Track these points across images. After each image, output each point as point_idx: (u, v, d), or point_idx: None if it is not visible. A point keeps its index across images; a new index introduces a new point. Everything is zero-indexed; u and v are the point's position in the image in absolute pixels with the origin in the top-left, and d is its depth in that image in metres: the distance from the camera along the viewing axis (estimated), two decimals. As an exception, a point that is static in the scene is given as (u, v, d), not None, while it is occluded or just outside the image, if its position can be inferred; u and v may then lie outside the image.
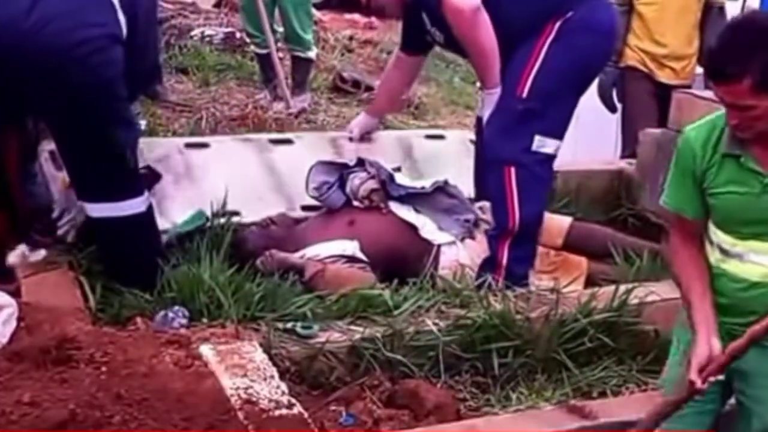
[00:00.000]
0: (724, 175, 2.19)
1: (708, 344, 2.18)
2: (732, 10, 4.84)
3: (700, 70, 4.60)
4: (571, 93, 3.48)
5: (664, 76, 4.52)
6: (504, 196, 3.41)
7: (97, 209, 3.00)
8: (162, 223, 3.33)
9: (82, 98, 2.83)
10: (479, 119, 3.61)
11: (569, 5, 3.35)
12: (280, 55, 5.77)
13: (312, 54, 5.78)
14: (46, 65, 2.78)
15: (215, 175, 3.64)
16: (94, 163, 2.94)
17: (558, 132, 3.45)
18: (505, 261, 3.43)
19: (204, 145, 3.80)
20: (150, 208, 3.09)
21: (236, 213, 3.57)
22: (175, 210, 3.51)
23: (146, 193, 3.07)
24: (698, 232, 2.30)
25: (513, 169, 3.38)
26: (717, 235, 2.26)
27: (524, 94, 3.36)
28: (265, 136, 3.99)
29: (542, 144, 3.40)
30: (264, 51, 5.59)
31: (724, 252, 2.25)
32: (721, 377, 2.25)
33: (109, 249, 3.10)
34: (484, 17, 3.29)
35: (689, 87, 4.39)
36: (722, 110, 2.18)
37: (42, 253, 3.12)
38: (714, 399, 2.35)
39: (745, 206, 2.18)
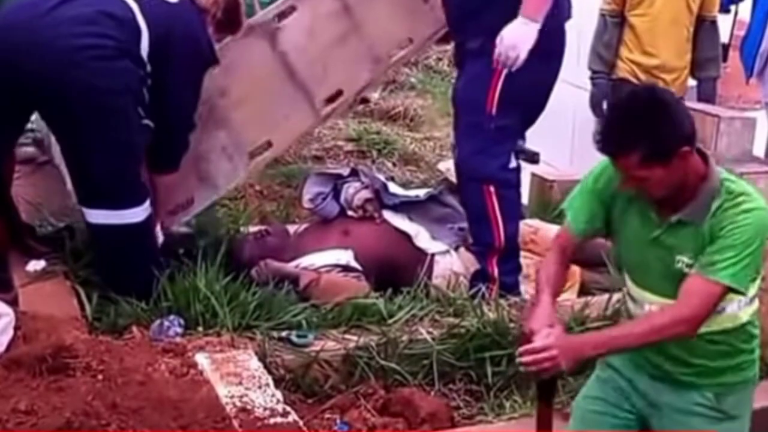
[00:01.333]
0: (628, 213, 2.20)
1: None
2: (723, 23, 4.90)
3: (692, 82, 4.65)
4: (537, 105, 3.51)
5: None
6: (487, 216, 3.43)
7: (94, 215, 3.02)
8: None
9: (77, 102, 2.87)
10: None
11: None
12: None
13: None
14: (49, 64, 2.83)
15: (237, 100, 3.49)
16: (91, 169, 2.96)
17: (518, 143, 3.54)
18: (495, 274, 3.46)
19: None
20: (149, 217, 3.11)
21: (269, 144, 3.55)
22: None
23: (147, 203, 3.08)
24: (571, 248, 2.30)
25: (492, 188, 3.40)
26: (627, 280, 2.28)
27: (494, 111, 3.37)
28: (269, 15, 3.61)
29: (513, 158, 3.46)
30: None
31: (632, 297, 2.27)
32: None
33: (105, 256, 3.12)
34: None
35: (681, 99, 4.42)
36: None
37: (42, 263, 3.14)
38: (628, 425, 2.31)
39: (637, 251, 2.20)
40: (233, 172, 3.51)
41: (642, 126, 2.04)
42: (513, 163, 3.46)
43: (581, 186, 2.30)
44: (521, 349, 2.09)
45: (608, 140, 2.08)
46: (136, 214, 3.04)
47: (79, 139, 2.93)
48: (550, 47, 3.37)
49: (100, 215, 3.01)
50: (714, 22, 4.59)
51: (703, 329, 2.12)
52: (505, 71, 3.29)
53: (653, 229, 2.15)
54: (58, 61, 2.84)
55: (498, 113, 3.35)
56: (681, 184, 2.09)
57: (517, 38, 3.21)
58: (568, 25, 3.62)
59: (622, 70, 4.57)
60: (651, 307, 2.19)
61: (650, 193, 2.12)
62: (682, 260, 2.12)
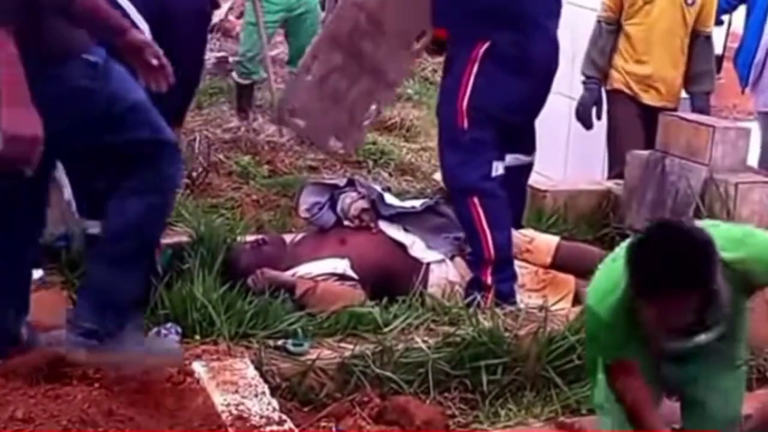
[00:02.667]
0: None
1: None
2: (716, 35, 4.92)
3: (685, 95, 4.68)
4: (512, 114, 3.52)
5: (648, 98, 4.57)
6: (475, 227, 3.45)
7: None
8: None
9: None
10: None
11: (500, 30, 3.38)
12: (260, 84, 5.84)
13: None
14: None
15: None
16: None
17: (505, 151, 3.54)
18: (490, 282, 3.46)
19: None
20: None
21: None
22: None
23: None
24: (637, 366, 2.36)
25: (476, 199, 3.43)
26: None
27: (465, 125, 3.41)
28: None
29: (497, 168, 3.48)
30: (247, 81, 5.64)
31: None
32: None
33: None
34: None
35: (674, 109, 4.46)
36: (616, 278, 2.24)
37: (39, 272, 3.15)
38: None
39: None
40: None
41: (697, 269, 2.08)
42: (496, 173, 3.47)
43: (596, 347, 2.38)
44: None
45: (661, 288, 2.09)
46: None
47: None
48: (521, 60, 3.39)
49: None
50: (709, 38, 4.62)
51: None
52: (470, 86, 3.36)
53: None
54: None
55: (469, 126, 3.41)
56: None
57: None
58: (563, 37, 3.65)
59: (617, 81, 4.60)
60: None
61: (682, 323, 2.15)
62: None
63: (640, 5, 4.47)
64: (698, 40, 4.57)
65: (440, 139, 3.60)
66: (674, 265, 2.07)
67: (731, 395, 2.39)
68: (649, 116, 4.46)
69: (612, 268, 2.30)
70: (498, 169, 3.48)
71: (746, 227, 2.31)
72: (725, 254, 2.14)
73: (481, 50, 3.38)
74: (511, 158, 3.63)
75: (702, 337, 2.19)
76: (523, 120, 3.64)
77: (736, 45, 5.29)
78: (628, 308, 2.21)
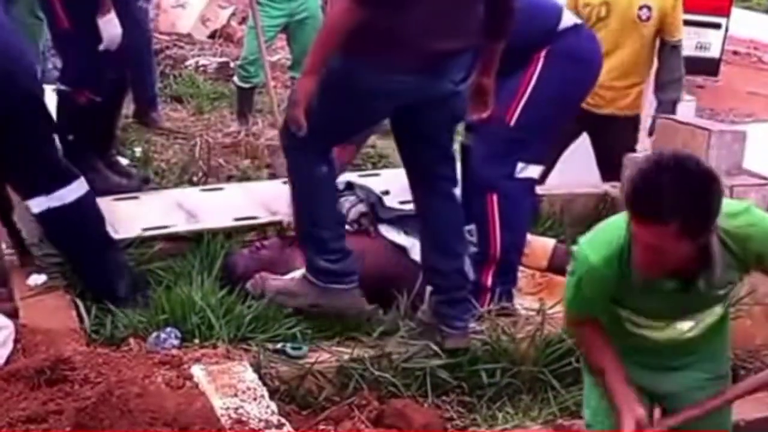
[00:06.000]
0: (640, 295, 2.19)
1: (633, 414, 2.22)
2: (714, 39, 4.93)
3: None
4: (557, 121, 3.55)
5: (592, 105, 4.51)
6: (486, 223, 3.45)
7: (36, 204, 3.10)
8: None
9: (39, 106, 3.08)
10: (464, 147, 3.67)
11: (555, 35, 3.40)
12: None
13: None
14: (34, 85, 3.09)
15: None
16: (29, 158, 3.06)
17: (541, 158, 3.52)
18: (489, 284, 3.47)
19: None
20: (87, 194, 3.18)
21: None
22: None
23: (80, 179, 3.15)
24: (599, 324, 2.34)
25: (495, 196, 3.42)
26: (628, 313, 2.28)
27: (512, 123, 3.40)
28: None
29: (524, 169, 3.45)
30: (247, 85, 5.67)
31: (636, 324, 2.29)
32: None
33: (61, 243, 3.20)
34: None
35: (631, 118, 4.51)
36: (617, 228, 2.16)
37: (43, 277, 3.18)
38: None
39: (660, 308, 2.23)
40: None
41: (694, 198, 1.96)
42: (521, 174, 3.45)
43: (576, 292, 2.27)
44: None
45: (653, 203, 1.96)
46: (75, 191, 3.12)
47: (18, 135, 3.02)
48: (563, 68, 3.40)
49: (40, 203, 3.08)
50: (676, 47, 4.57)
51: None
52: (532, 84, 3.34)
53: (675, 293, 2.15)
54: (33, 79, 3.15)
55: (516, 125, 3.37)
56: (696, 254, 2.06)
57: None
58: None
59: None
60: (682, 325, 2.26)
61: (663, 267, 2.07)
62: (719, 293, 2.19)
63: (594, 21, 4.44)
64: (665, 49, 4.56)
65: (477, 132, 3.50)
66: (657, 188, 1.96)
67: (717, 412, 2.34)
68: (599, 124, 4.47)
69: (614, 222, 2.21)
70: (527, 170, 3.45)
71: (746, 203, 2.24)
72: (725, 222, 2.08)
73: (542, 54, 3.37)
74: None
75: (701, 283, 2.11)
76: (564, 118, 3.63)
77: (733, 48, 5.29)
78: (619, 260, 2.14)
